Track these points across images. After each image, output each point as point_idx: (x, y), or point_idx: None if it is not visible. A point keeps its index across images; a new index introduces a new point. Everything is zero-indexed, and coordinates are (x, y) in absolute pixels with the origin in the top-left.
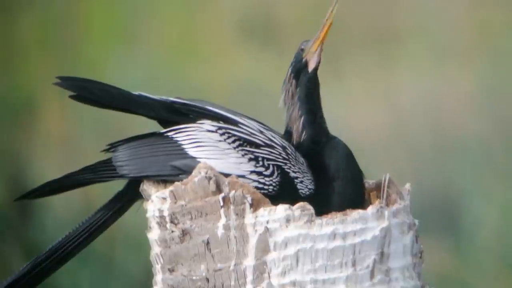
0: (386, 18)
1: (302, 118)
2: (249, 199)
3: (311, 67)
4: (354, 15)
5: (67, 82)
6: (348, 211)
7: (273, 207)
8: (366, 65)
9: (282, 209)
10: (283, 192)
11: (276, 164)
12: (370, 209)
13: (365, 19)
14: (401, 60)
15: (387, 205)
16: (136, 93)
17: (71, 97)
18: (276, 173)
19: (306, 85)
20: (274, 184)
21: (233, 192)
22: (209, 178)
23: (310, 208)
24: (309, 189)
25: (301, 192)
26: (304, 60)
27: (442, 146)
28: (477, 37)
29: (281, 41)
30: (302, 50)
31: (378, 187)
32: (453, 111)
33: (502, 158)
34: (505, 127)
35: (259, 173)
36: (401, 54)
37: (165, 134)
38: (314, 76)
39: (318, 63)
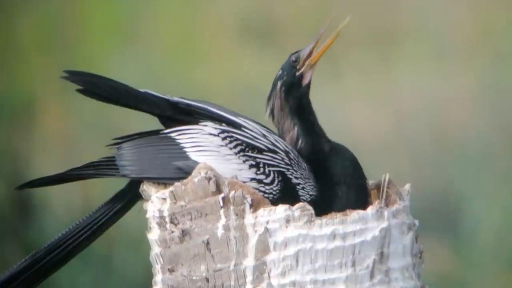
0: (386, 18)
1: (296, 127)
2: (249, 199)
3: (305, 82)
4: (354, 16)
5: (75, 77)
6: (348, 211)
7: (273, 207)
8: (366, 65)
9: (282, 210)
10: (284, 199)
11: (278, 171)
12: (370, 210)
13: (365, 20)
14: (401, 60)
15: (387, 205)
16: (142, 90)
17: (78, 90)
18: (276, 181)
19: (300, 99)
20: (274, 193)
21: (233, 192)
22: (209, 179)
23: (309, 209)
24: (311, 195)
25: (302, 199)
26: (299, 74)
27: (442, 146)
28: (477, 37)
29: (281, 42)
30: (295, 62)
31: (377, 188)
32: (453, 111)
33: (503, 158)
34: (505, 128)
35: (259, 181)
36: (401, 54)
37: (169, 135)
38: (308, 90)
39: (311, 77)
